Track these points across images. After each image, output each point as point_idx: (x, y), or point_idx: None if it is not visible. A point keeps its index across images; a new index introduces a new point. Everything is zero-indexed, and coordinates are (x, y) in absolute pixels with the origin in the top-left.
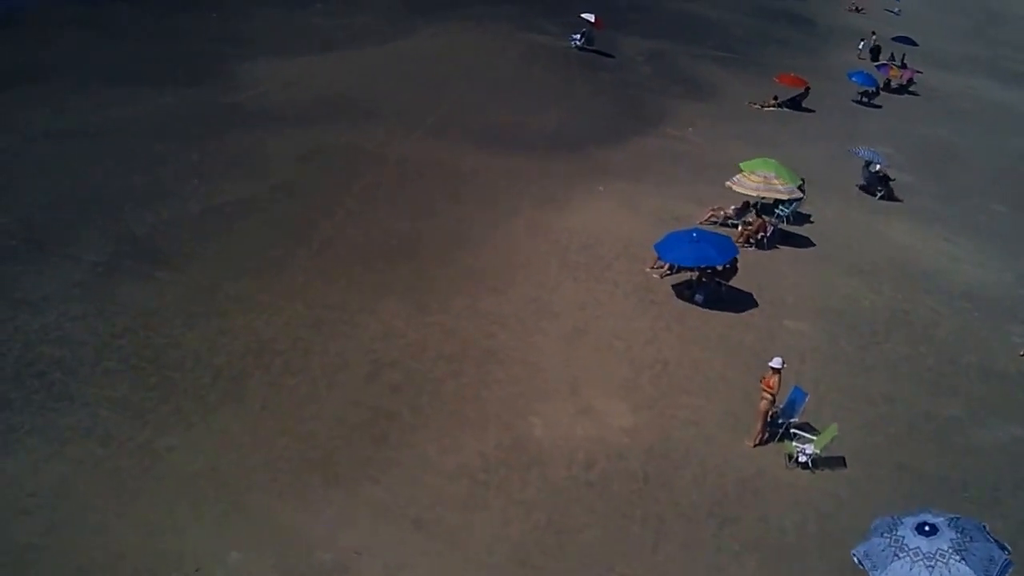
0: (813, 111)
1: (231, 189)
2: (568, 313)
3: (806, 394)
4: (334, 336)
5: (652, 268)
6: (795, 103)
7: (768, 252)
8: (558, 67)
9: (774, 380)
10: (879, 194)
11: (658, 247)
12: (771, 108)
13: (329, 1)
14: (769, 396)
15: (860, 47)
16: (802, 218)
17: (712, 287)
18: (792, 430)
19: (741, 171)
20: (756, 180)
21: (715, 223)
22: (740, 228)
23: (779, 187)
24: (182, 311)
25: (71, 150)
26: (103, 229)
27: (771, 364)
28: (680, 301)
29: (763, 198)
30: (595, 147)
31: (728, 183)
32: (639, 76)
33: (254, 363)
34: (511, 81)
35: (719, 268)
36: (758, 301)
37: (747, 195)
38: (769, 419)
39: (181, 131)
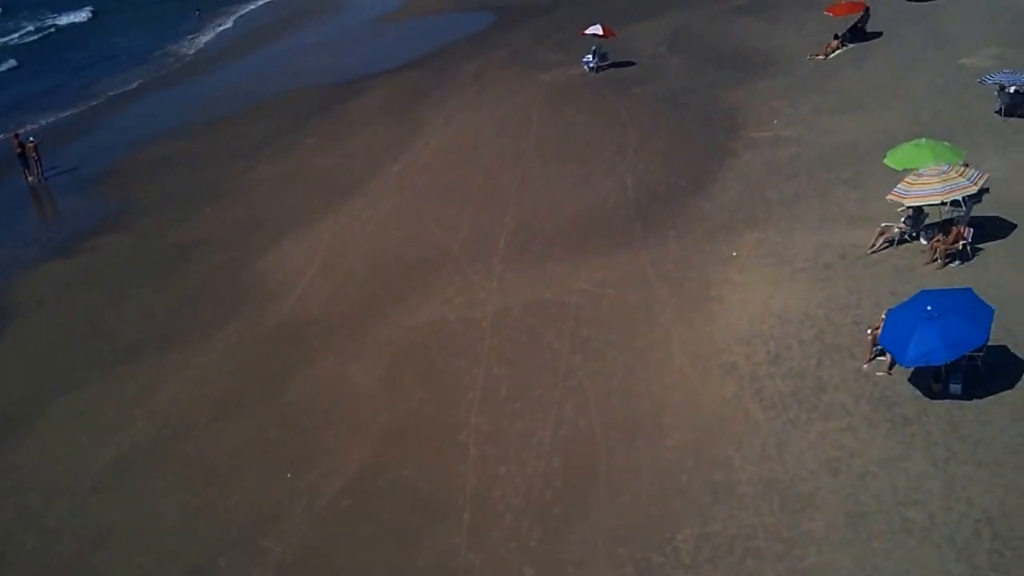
0: (880, 33)
1: (338, 464)
2: (824, 490)
3: None
4: None
5: (869, 362)
6: (857, 33)
7: (978, 261)
8: (587, 105)
9: None
10: None
11: (890, 345)
12: (836, 52)
13: (316, 132)
14: None
15: None
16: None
17: (966, 366)
18: None
19: (891, 168)
20: (931, 182)
21: (888, 245)
22: (931, 244)
23: (963, 180)
24: None
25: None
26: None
27: None
28: (934, 403)
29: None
30: (690, 196)
31: (892, 196)
32: (675, 76)
33: None
34: (552, 148)
35: None
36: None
37: (928, 204)
38: None
39: (260, 393)
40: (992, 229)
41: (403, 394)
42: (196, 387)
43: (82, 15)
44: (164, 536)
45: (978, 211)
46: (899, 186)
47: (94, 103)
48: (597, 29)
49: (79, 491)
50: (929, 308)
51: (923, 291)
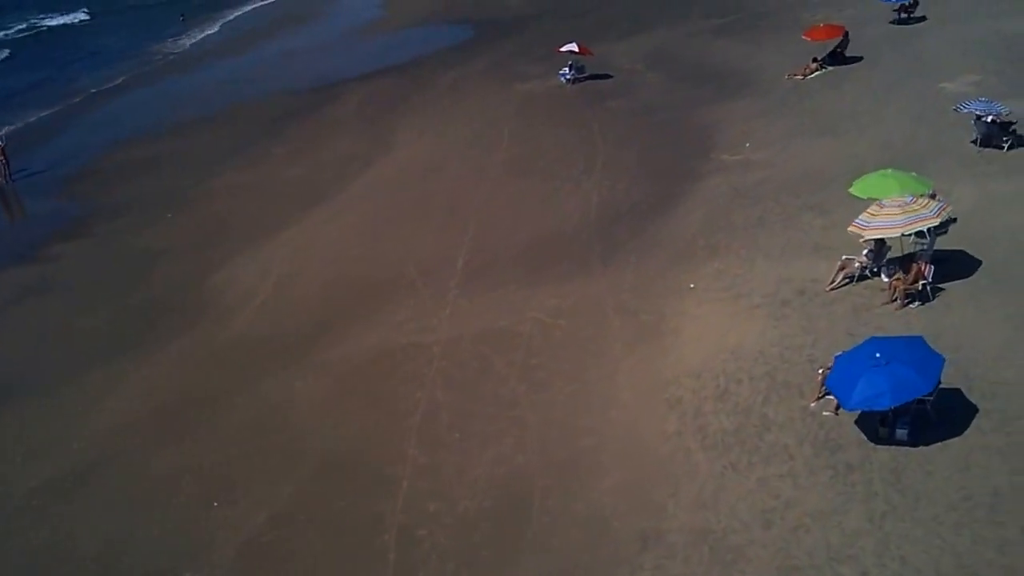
0: (860, 58)
1: (267, 495)
2: (756, 544)
3: None
4: None
5: (817, 400)
6: (836, 57)
7: (938, 303)
8: (560, 118)
9: None
10: (1006, 145)
11: (836, 389)
12: (815, 74)
13: (289, 140)
14: None
15: None
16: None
17: (915, 410)
18: None
19: (856, 196)
20: (893, 213)
21: (849, 281)
22: (891, 283)
23: (925, 212)
24: None
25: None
26: None
27: None
28: (878, 448)
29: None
30: (654, 218)
31: (854, 228)
32: (651, 92)
33: None
34: (521, 162)
35: None
36: (976, 403)
37: (889, 236)
38: None
39: (199, 415)
40: (956, 265)
41: (343, 420)
42: (138, 406)
43: (76, 17)
44: (85, 567)
45: (944, 243)
46: (861, 217)
47: (75, 100)
48: (573, 47)
49: (2, 514)
50: (877, 355)
51: (872, 338)
